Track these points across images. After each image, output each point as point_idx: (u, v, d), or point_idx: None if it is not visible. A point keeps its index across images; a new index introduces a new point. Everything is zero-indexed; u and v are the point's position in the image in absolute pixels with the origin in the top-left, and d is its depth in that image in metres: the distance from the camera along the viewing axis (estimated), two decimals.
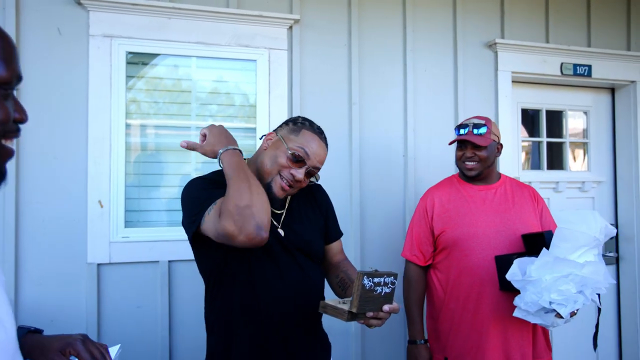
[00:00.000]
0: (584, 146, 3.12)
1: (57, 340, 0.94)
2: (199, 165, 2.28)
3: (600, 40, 2.93)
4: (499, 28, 2.74)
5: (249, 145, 2.33)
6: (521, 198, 1.90)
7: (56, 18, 2.05)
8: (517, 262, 1.59)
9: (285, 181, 1.31)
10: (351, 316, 1.16)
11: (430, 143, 2.56)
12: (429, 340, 1.94)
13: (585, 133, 3.11)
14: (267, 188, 1.30)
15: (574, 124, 3.13)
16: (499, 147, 1.91)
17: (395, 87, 2.54)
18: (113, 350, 1.02)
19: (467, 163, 1.87)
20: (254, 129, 2.33)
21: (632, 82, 2.96)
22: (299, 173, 1.31)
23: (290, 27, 2.36)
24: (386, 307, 1.21)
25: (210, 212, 1.19)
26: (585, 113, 3.09)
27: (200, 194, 1.25)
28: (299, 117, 1.43)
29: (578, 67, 2.81)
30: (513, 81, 2.74)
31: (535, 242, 1.70)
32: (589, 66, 2.84)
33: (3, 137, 0.65)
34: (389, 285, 1.22)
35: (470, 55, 2.67)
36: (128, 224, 2.15)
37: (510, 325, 1.75)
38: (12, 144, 0.68)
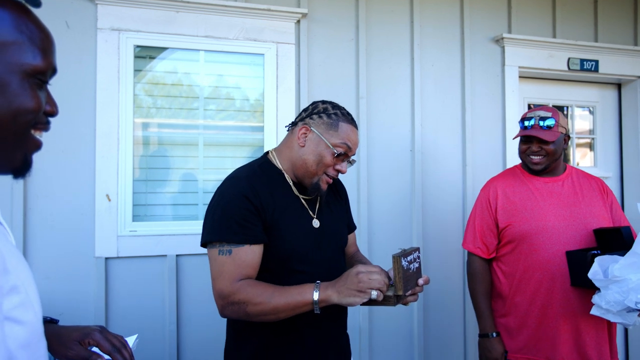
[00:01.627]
0: (590, 144, 3.11)
1: (75, 330, 0.93)
2: (207, 160, 2.27)
3: (607, 35, 2.92)
4: (506, 23, 2.74)
5: (257, 140, 2.33)
6: (590, 190, 1.82)
7: (64, 11, 2.05)
8: (597, 261, 1.53)
9: (331, 176, 1.36)
10: (397, 299, 1.19)
11: (438, 138, 2.56)
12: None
13: (591, 133, 3.10)
14: (315, 186, 1.34)
15: (578, 123, 3.13)
16: (566, 138, 1.81)
17: (402, 82, 2.53)
18: (130, 340, 1.01)
19: (533, 157, 1.78)
20: (262, 123, 2.32)
21: (639, 77, 2.95)
22: (344, 167, 1.36)
23: (298, 21, 2.35)
24: (420, 281, 1.25)
25: (227, 257, 1.21)
26: (591, 111, 3.08)
27: (239, 222, 1.22)
28: (326, 104, 1.37)
29: (585, 62, 2.81)
30: (519, 76, 2.74)
31: (609, 238, 1.65)
32: (596, 61, 2.83)
33: (33, 127, 0.65)
34: (417, 260, 1.26)
35: (477, 50, 2.66)
36: (136, 218, 2.14)
37: (583, 321, 1.69)
38: (40, 136, 0.68)
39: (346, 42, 2.45)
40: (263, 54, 2.32)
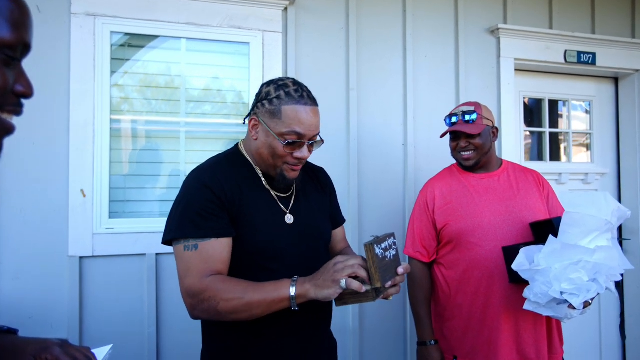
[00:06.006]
0: (587, 142, 3.04)
1: (31, 343, 0.83)
2: (189, 154, 2.16)
3: (604, 28, 2.85)
4: (501, 13, 2.65)
5: (242, 133, 2.22)
6: (526, 183, 1.80)
7: None
8: (523, 251, 1.49)
9: (292, 164, 1.23)
10: (376, 293, 1.07)
11: (431, 131, 2.46)
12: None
13: (588, 128, 3.03)
14: (280, 177, 1.23)
15: (574, 118, 3.06)
16: (494, 131, 1.81)
17: (394, 73, 2.43)
18: (103, 351, 0.91)
19: (463, 153, 1.78)
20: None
21: (637, 71, 2.88)
22: (303, 152, 1.21)
23: (285, 9, 2.25)
24: (400, 270, 1.13)
25: (193, 253, 1.13)
26: (588, 111, 3.01)
27: (201, 214, 1.14)
28: (270, 87, 1.21)
29: (582, 55, 2.73)
30: (515, 69, 2.65)
31: (544, 230, 1.60)
32: (593, 54, 2.75)
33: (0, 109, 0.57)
34: (393, 246, 1.15)
35: (472, 41, 2.57)
36: (113, 214, 2.02)
37: (523, 319, 1.65)
38: (10, 118, 0.60)
39: (336, 31, 2.35)
40: (248, 43, 2.21)
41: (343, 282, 1.03)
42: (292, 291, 1.06)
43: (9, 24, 0.57)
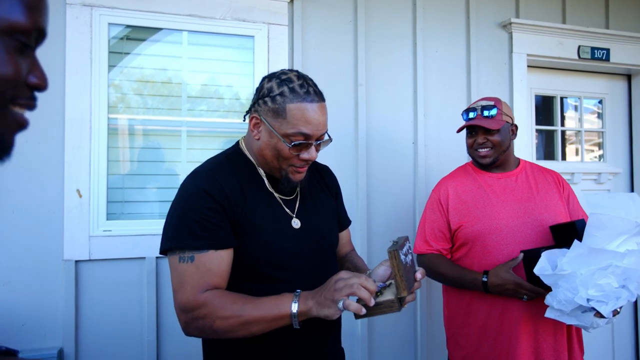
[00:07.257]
0: (597, 137, 2.96)
1: None
2: (190, 153, 2.06)
3: (618, 22, 2.77)
4: (513, 7, 2.56)
5: (245, 130, 2.12)
6: (545, 184, 1.71)
7: None
8: (545, 255, 1.41)
9: (299, 166, 1.13)
10: (400, 303, 0.98)
11: (442, 129, 2.37)
12: (449, 349, 1.75)
13: (600, 126, 2.95)
14: (285, 180, 1.13)
15: (586, 116, 2.97)
16: (514, 128, 1.72)
17: (404, 68, 2.34)
18: None
19: (480, 150, 1.68)
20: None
21: None
22: (310, 153, 1.11)
23: (291, 1, 2.15)
24: (418, 275, 1.05)
25: (188, 265, 1.03)
26: (597, 112, 2.93)
27: (200, 222, 1.04)
28: (271, 82, 1.09)
29: (596, 51, 2.65)
30: (527, 66, 2.57)
31: (566, 233, 1.52)
32: (607, 50, 2.67)
33: (11, 102, 0.51)
34: (410, 251, 1.08)
35: (483, 35, 2.48)
36: (110, 216, 1.92)
37: (543, 327, 1.56)
38: (23, 112, 0.54)
39: (344, 24, 2.25)
40: (253, 36, 2.11)
41: (340, 304, 0.93)
42: (294, 308, 0.97)
43: (24, 7, 0.50)
